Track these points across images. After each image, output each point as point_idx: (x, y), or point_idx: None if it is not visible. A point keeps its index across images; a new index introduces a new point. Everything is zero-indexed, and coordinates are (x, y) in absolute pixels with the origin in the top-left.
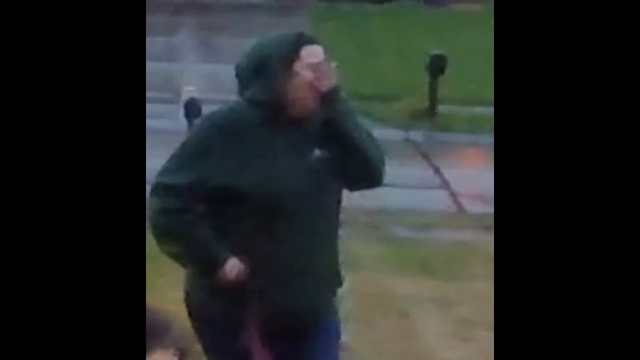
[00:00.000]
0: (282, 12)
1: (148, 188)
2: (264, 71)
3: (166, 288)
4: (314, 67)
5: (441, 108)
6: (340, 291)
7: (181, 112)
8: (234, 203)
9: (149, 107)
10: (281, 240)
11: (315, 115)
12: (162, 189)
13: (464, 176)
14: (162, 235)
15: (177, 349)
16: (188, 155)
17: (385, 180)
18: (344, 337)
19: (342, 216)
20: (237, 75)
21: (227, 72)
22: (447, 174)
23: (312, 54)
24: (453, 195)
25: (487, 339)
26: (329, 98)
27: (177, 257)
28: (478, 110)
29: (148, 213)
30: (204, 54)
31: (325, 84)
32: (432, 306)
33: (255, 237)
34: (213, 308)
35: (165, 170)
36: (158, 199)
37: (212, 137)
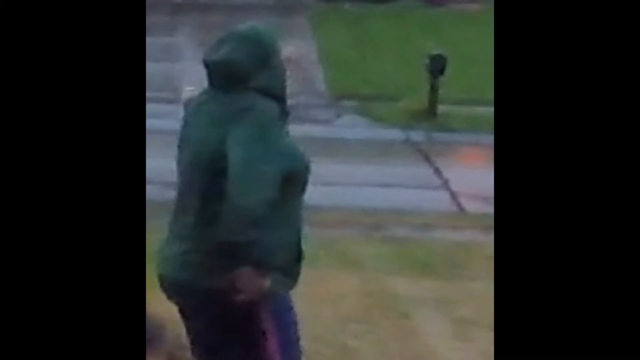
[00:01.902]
0: (282, 12)
1: (148, 188)
2: (269, 62)
3: None
4: (287, 58)
5: (441, 108)
6: None
7: (181, 112)
8: (291, 185)
9: (149, 107)
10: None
11: None
12: (265, 177)
13: (464, 176)
14: (257, 223)
15: (170, 354)
16: (270, 143)
17: (385, 180)
18: (344, 338)
19: (342, 216)
20: (236, 66)
21: None
22: (447, 174)
23: (282, 46)
24: (453, 195)
25: (487, 339)
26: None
27: (247, 247)
28: (478, 110)
29: (252, 197)
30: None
31: (291, 75)
32: (432, 306)
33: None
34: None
35: (260, 158)
36: (264, 188)
37: (275, 123)
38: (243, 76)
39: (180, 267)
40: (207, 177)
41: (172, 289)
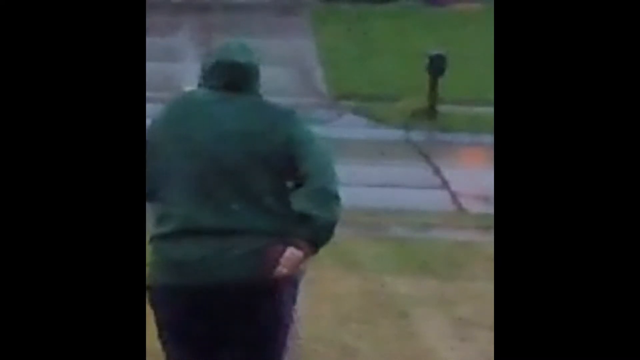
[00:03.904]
0: (282, 12)
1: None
2: None
3: None
4: None
5: (441, 108)
6: None
7: None
8: None
9: (149, 107)
10: None
11: None
12: None
13: (464, 176)
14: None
15: None
16: None
17: (385, 180)
18: (345, 338)
19: (342, 216)
20: (255, 71)
21: None
22: (447, 174)
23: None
24: (453, 195)
25: (487, 339)
26: None
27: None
28: (478, 110)
29: (338, 185)
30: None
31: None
32: (432, 306)
33: None
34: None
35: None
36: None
37: None
38: (258, 81)
39: (250, 265)
40: (271, 173)
41: (232, 291)
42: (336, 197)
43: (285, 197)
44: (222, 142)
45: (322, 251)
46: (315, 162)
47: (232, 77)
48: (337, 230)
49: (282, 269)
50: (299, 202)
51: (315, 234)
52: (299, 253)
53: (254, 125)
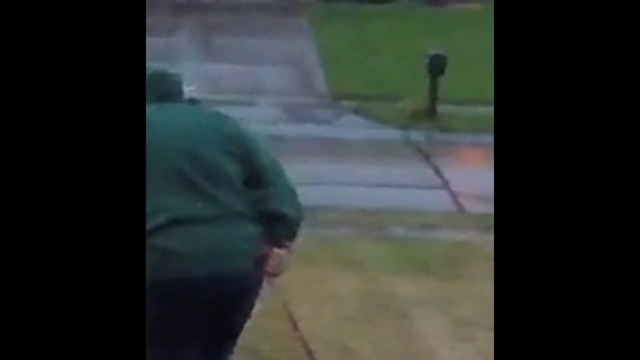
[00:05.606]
0: (282, 12)
1: None
2: None
3: None
4: None
5: (441, 108)
6: None
7: None
8: None
9: None
10: None
11: None
12: None
13: (464, 176)
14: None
15: None
16: None
17: (385, 180)
18: (345, 338)
19: (342, 216)
20: (181, 81)
21: (227, 72)
22: (447, 174)
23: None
24: (453, 195)
25: (487, 339)
26: None
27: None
28: (478, 110)
29: (300, 218)
30: (204, 54)
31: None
32: (432, 306)
33: None
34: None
35: None
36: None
37: None
38: (183, 89)
39: (246, 256)
40: (233, 161)
41: (235, 281)
42: (297, 195)
43: (244, 183)
44: (184, 137)
45: (322, 251)
46: (270, 161)
47: (166, 87)
48: (337, 230)
49: (268, 267)
50: (272, 201)
51: (293, 232)
52: (282, 251)
53: (205, 121)
